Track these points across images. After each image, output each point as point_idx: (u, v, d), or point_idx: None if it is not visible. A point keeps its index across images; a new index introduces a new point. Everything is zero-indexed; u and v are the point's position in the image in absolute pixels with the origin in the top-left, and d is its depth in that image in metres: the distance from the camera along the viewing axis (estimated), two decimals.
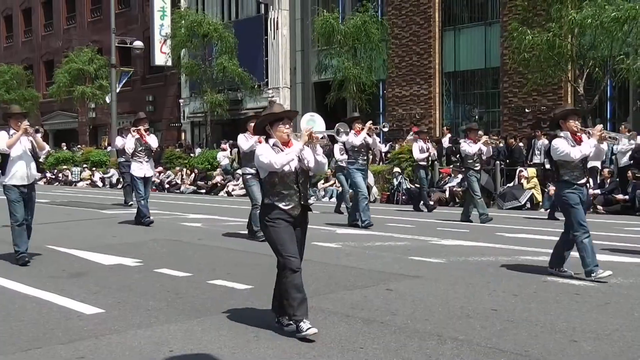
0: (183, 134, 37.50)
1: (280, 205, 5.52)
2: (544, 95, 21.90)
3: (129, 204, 18.24)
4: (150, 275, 8.12)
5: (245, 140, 10.67)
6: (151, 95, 39.72)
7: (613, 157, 18.12)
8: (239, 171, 19.86)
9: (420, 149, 16.82)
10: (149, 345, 5.28)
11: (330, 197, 22.14)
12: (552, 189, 17.54)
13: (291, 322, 5.49)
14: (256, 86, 31.72)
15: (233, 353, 5.05)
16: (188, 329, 5.69)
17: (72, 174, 34.98)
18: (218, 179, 26.31)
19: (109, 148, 36.57)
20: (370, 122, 13.52)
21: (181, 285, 7.53)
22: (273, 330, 5.60)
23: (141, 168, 13.72)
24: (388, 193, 21.16)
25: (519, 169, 18.70)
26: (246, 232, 11.68)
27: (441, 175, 20.84)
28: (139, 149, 13.73)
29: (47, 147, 9.53)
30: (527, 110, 23.01)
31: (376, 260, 9.16)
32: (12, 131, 8.89)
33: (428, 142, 17.66)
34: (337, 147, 15.98)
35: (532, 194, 18.09)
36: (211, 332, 5.60)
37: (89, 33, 44.37)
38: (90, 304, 6.57)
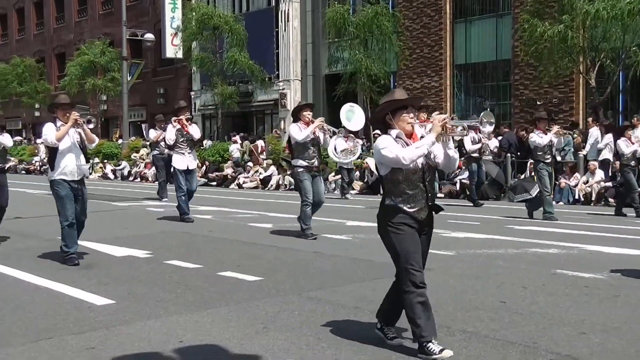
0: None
1: (405, 207, 4.82)
2: (555, 87, 21.81)
3: (164, 199, 17.61)
4: (160, 267, 8.16)
5: (298, 131, 10.14)
6: (162, 88, 39.79)
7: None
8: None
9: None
10: (159, 335, 5.32)
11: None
12: (563, 181, 17.54)
13: (396, 335, 5.09)
14: (267, 79, 31.73)
15: (242, 344, 5.07)
16: (197, 320, 5.73)
17: (7, 163, 34.94)
18: (229, 171, 26.36)
19: (120, 140, 36.72)
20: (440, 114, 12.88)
21: (191, 276, 7.57)
22: (281, 322, 5.63)
23: (183, 160, 12.80)
24: None
25: (530, 161, 18.61)
26: (257, 224, 11.70)
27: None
28: (181, 140, 12.83)
29: (97, 139, 8.91)
30: (538, 103, 22.91)
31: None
32: (59, 123, 8.31)
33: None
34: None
35: None
36: (220, 324, 5.63)
37: (101, 26, 44.46)
38: (101, 295, 6.62)
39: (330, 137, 11.36)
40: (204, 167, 27.56)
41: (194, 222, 12.61)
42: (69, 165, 8.29)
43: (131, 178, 31.40)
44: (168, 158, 18.30)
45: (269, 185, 24.21)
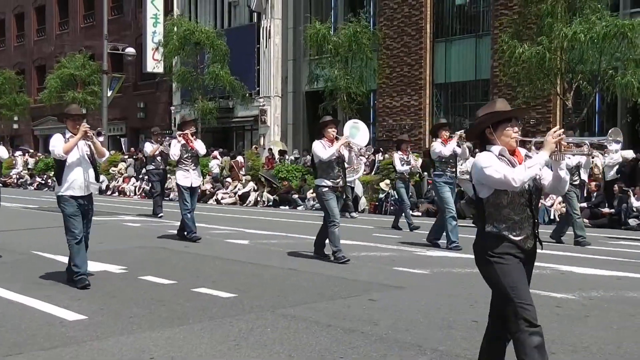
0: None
1: (510, 235, 4.22)
2: (533, 108, 21.99)
3: (159, 215, 17.20)
4: (135, 283, 8.13)
5: (323, 149, 9.68)
6: (142, 102, 39.74)
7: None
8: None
9: (400, 160, 15.37)
10: (131, 352, 5.30)
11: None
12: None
13: None
14: (247, 95, 31.77)
15: None
16: (170, 337, 5.72)
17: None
18: (207, 186, 26.30)
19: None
20: (462, 131, 12.18)
21: (165, 292, 7.55)
22: (254, 339, 5.63)
23: (187, 177, 12.15)
24: (376, 203, 21.22)
25: None
26: (234, 240, 11.68)
27: (429, 187, 20.90)
28: (185, 156, 12.21)
29: (107, 154, 8.37)
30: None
31: (361, 270, 9.20)
32: (68, 134, 7.86)
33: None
34: (396, 157, 15.32)
35: None
36: (192, 340, 5.62)
37: (82, 39, 44.37)
38: (74, 311, 6.58)
39: (357, 155, 11.20)
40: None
41: (170, 238, 12.56)
42: (78, 180, 7.85)
43: (109, 192, 31.22)
44: (164, 173, 18.06)
45: (248, 202, 24.19)
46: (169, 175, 19.72)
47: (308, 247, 11.42)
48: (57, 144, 7.75)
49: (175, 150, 12.27)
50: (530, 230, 4.27)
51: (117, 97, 38.08)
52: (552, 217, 17.48)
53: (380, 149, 24.91)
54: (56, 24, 48.12)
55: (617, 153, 17.18)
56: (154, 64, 36.14)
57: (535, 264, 9.12)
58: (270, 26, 31.79)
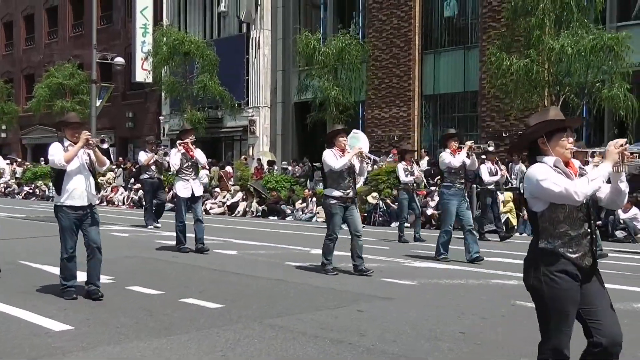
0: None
1: (567, 252, 3.95)
2: (521, 120, 22.10)
3: (154, 226, 16.98)
4: (122, 293, 8.10)
5: (334, 158, 9.43)
6: (131, 112, 39.65)
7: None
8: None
9: (404, 171, 15.09)
10: None
11: (311, 218, 22.19)
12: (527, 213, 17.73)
13: None
14: (236, 105, 31.77)
15: None
16: (157, 347, 5.70)
17: (49, 189, 34.73)
18: None
19: None
20: (472, 141, 12.02)
21: (152, 303, 7.52)
22: (241, 349, 5.62)
23: (187, 187, 11.89)
24: (365, 214, 21.21)
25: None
26: (222, 251, 11.65)
27: (419, 197, 20.93)
28: (185, 165, 11.94)
29: (107, 162, 8.15)
30: (504, 135, 23.23)
31: (349, 281, 9.21)
32: (67, 142, 7.67)
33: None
34: (400, 167, 15.05)
35: (507, 217, 18.23)
36: (180, 351, 5.61)
37: (71, 48, 44.29)
38: (60, 321, 6.55)
39: (370, 165, 11.02)
40: (171, 192, 27.42)
41: (159, 247, 12.52)
42: (78, 189, 7.63)
43: (97, 202, 31.10)
44: (158, 182, 17.71)
45: (236, 212, 24.16)
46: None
47: (296, 257, 11.44)
48: (57, 152, 7.55)
49: (175, 159, 11.96)
50: (588, 247, 3.99)
51: (106, 107, 37.90)
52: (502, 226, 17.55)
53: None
54: (45, 33, 48.01)
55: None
56: (143, 73, 36.09)
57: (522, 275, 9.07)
58: (259, 37, 31.84)
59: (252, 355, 5.48)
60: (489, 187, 16.03)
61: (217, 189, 26.12)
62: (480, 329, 6.42)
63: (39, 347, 5.65)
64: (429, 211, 19.39)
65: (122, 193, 30.16)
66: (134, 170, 33.21)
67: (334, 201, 9.52)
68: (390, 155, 24.70)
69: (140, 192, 28.39)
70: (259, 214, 23.70)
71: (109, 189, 30.75)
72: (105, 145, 7.99)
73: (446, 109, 26.60)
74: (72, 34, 45.37)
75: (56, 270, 9.44)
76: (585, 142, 22.28)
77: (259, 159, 28.90)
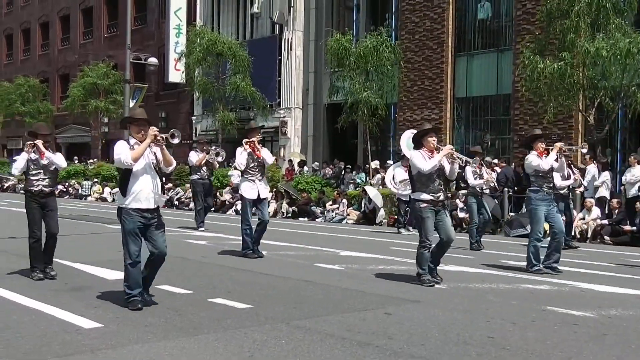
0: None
1: None
2: (554, 124, 21.88)
3: (200, 229, 16.61)
4: (151, 292, 8.13)
5: (423, 160, 8.88)
6: (164, 112, 39.97)
7: (622, 187, 18.11)
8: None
9: (473, 174, 14.25)
10: None
11: (342, 220, 22.16)
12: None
13: None
14: (268, 106, 31.86)
15: None
16: (185, 346, 5.72)
17: (82, 188, 35.16)
18: (227, 197, 26.38)
19: None
20: (561, 143, 11.07)
21: (181, 302, 7.56)
22: (268, 350, 5.62)
23: (253, 188, 11.42)
24: (395, 217, 21.14)
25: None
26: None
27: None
28: (251, 165, 11.45)
29: (175, 163, 7.60)
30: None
31: (377, 283, 9.17)
32: (132, 140, 7.24)
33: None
34: (469, 170, 13.97)
35: None
36: (207, 350, 5.62)
37: (105, 48, 44.81)
38: (90, 319, 6.61)
39: (461, 166, 10.46)
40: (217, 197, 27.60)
41: (188, 248, 12.58)
42: (144, 190, 7.14)
43: None
44: (209, 184, 17.46)
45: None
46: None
47: (325, 259, 11.43)
48: (123, 150, 7.07)
49: (241, 159, 11.44)
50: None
51: (139, 107, 38.35)
52: (572, 233, 17.32)
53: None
54: (80, 33, 48.63)
55: (638, 170, 17.06)
56: (176, 74, 36.37)
57: (555, 280, 9.11)
58: (291, 38, 31.90)
59: (279, 356, 5.48)
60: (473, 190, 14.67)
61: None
62: (510, 334, 6.35)
63: (68, 344, 5.71)
64: (461, 214, 19.25)
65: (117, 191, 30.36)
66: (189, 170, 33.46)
67: (424, 204, 8.89)
68: None
69: (172, 192, 28.63)
70: (289, 215, 23.74)
71: None
72: (176, 140, 7.38)
73: (478, 112, 26.43)
74: (107, 34, 45.89)
75: (87, 269, 9.61)
76: (620, 146, 22.02)
77: (290, 160, 28.95)
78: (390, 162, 25.57)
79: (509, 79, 24.46)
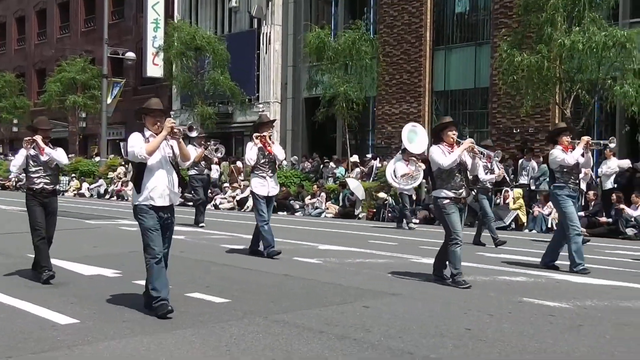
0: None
1: None
2: (532, 117, 22.02)
3: (201, 225, 16.40)
4: (129, 287, 8.11)
5: (442, 155, 8.44)
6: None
7: (598, 179, 18.26)
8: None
9: (484, 169, 13.61)
10: (122, 356, 5.29)
11: (321, 214, 22.18)
12: (536, 209, 17.70)
13: None
14: (247, 100, 31.79)
15: None
16: (162, 342, 5.70)
17: (59, 183, 34.87)
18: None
19: (97, 158, 36.57)
20: (588, 137, 10.37)
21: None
22: (246, 345, 5.62)
23: (264, 184, 10.92)
24: (374, 210, 21.20)
25: (505, 189, 18.76)
26: (230, 246, 11.61)
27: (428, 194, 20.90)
28: (262, 161, 10.94)
29: (192, 157, 7.13)
30: (515, 131, 23.15)
31: (356, 277, 9.19)
32: (148, 133, 6.79)
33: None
34: (480, 164, 12.53)
35: (517, 214, 18.18)
36: (184, 345, 5.61)
37: (82, 43, 44.46)
38: (66, 314, 6.57)
39: (487, 161, 10.13)
40: (180, 187, 27.46)
41: None
42: (159, 187, 6.68)
43: (107, 196, 31.25)
44: (207, 179, 17.32)
45: (246, 207, 24.17)
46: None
47: (304, 253, 11.43)
48: (137, 143, 6.58)
49: (251, 154, 10.92)
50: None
51: (118, 102, 38.14)
52: (549, 225, 17.47)
53: (379, 156, 24.96)
54: (57, 28, 48.22)
55: (613, 162, 17.22)
56: (154, 68, 36.20)
57: (531, 272, 9.18)
58: (270, 32, 31.83)
59: (257, 350, 5.48)
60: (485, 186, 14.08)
61: (227, 184, 26.14)
62: (486, 326, 6.39)
63: (44, 341, 5.67)
64: None
65: (132, 188, 30.22)
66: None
67: (447, 200, 8.43)
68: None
69: None
70: None
71: (120, 183, 30.85)
72: (194, 133, 7.07)
73: (457, 106, 26.51)
74: (84, 28, 45.56)
75: (64, 264, 9.54)
76: (597, 138, 22.19)
77: None
78: (368, 155, 25.68)
79: (486, 73, 24.56)
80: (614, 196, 16.80)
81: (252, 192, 11.26)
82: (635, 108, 17.67)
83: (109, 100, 36.26)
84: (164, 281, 6.67)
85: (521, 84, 19.10)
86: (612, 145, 11.42)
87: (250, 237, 11.51)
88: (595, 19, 18.06)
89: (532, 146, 21.79)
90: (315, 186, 23.83)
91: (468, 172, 8.71)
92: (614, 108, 19.48)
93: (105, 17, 35.70)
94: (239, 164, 27.71)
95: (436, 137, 8.74)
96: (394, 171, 17.10)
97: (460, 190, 8.49)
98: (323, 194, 22.83)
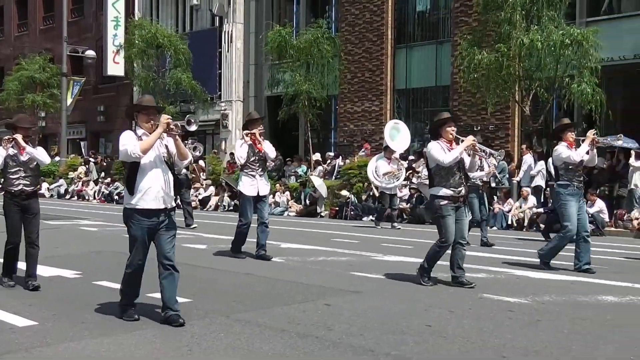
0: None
1: None
2: (492, 114, 22.23)
3: (192, 226, 16.07)
4: (89, 288, 8.05)
5: (442, 152, 8.19)
6: (103, 105, 39.29)
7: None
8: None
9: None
10: (81, 358, 5.26)
11: (283, 213, 22.17)
12: (497, 207, 17.89)
13: None
14: (209, 99, 31.64)
15: None
16: (122, 342, 5.66)
17: (40, 184, 34.42)
18: None
19: (57, 158, 36.11)
20: (594, 131, 10.05)
21: (119, 298, 7.45)
22: (207, 344, 5.60)
23: (253, 184, 10.54)
24: (336, 208, 21.25)
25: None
26: (192, 245, 11.54)
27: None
28: (252, 160, 10.58)
29: (190, 156, 6.71)
30: (476, 129, 23.34)
31: (318, 275, 9.21)
32: (140, 131, 6.41)
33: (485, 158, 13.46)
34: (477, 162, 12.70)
35: None
36: (145, 346, 5.58)
37: (41, 41, 43.78)
38: (24, 317, 6.49)
39: (484, 159, 10.01)
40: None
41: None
42: (153, 188, 6.28)
43: (68, 196, 30.89)
44: (186, 179, 16.59)
45: (208, 206, 24.08)
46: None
47: (267, 251, 11.39)
48: (130, 141, 6.20)
49: (241, 152, 10.58)
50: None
51: (78, 100, 37.69)
52: (509, 222, 17.68)
53: (341, 154, 25.03)
54: (15, 25, 47.43)
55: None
56: (114, 67, 35.81)
57: (491, 268, 9.28)
58: (232, 30, 31.68)
59: (218, 349, 5.47)
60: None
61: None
62: (447, 322, 6.46)
63: (2, 344, 5.59)
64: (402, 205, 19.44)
65: (92, 188, 29.93)
66: (105, 164, 33.07)
67: (445, 202, 8.18)
68: (363, 150, 24.77)
69: (112, 187, 28.26)
70: (231, 208, 23.64)
71: (80, 183, 30.52)
72: (193, 127, 6.67)
73: (418, 104, 26.66)
74: (43, 26, 44.86)
75: (23, 266, 9.34)
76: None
77: (231, 153, 28.78)
78: (331, 153, 25.73)
79: (447, 71, 24.73)
80: None
81: (239, 192, 10.94)
82: (591, 105, 17.94)
83: (69, 100, 35.82)
84: (136, 290, 6.58)
85: (481, 82, 19.29)
86: (619, 142, 10.90)
87: (212, 236, 11.45)
88: (554, 17, 18.31)
89: (493, 144, 22.01)
90: (277, 185, 23.81)
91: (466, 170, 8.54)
92: (571, 106, 19.75)
93: (64, 14, 35.23)
94: (201, 162, 27.58)
95: (434, 133, 8.54)
96: (376, 169, 16.57)
97: (460, 189, 8.31)
98: (286, 192, 22.83)
